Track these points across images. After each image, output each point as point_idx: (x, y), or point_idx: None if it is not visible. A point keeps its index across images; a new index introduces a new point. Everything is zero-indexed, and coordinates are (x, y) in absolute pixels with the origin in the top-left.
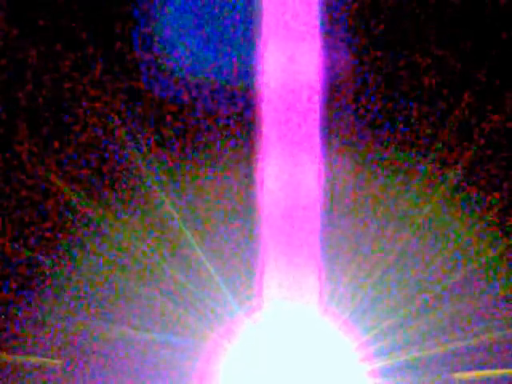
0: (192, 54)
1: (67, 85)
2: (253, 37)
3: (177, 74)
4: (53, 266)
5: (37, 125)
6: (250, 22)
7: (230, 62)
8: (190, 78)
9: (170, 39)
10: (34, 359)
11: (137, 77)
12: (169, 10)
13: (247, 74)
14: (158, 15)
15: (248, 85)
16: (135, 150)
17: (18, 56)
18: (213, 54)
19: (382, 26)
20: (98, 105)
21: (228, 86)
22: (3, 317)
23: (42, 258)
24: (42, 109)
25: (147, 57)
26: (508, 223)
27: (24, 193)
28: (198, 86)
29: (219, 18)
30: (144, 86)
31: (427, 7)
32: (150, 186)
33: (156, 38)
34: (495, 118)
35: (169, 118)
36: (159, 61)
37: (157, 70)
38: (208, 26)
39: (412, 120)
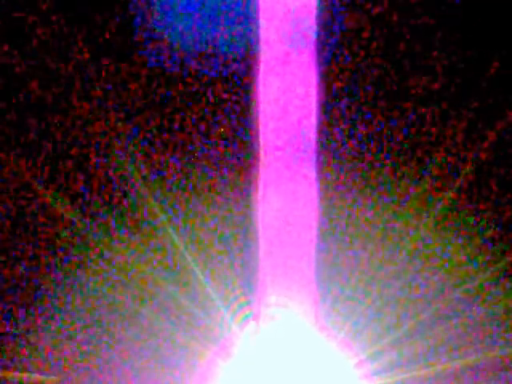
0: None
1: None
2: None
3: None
4: (25, 273)
5: (29, 134)
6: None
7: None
8: (187, 77)
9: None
10: (31, 376)
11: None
12: None
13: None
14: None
15: (245, 92)
16: (132, 165)
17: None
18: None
19: (379, 36)
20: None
21: (224, 92)
22: (2, 333)
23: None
24: (35, 114)
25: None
26: (505, 242)
27: (18, 210)
28: (193, 89)
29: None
30: (139, 86)
31: (423, 19)
32: (146, 201)
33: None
34: (490, 138)
35: (165, 123)
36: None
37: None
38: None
39: (408, 139)
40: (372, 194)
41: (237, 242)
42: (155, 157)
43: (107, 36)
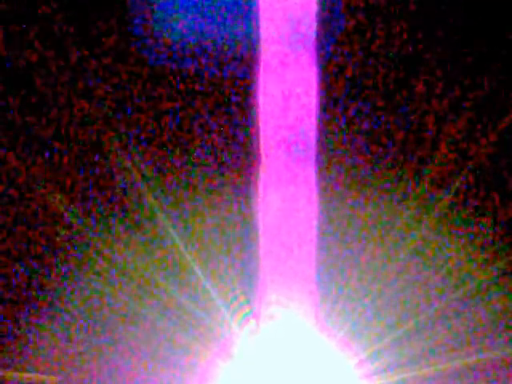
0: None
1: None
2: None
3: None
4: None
5: (29, 133)
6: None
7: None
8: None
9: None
10: (32, 376)
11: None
12: None
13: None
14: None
15: (245, 96)
16: (132, 164)
17: None
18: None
19: (379, 38)
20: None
21: (224, 95)
22: (2, 333)
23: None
24: (32, 115)
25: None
26: (504, 242)
27: (18, 209)
28: (192, 92)
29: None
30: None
31: (422, 21)
32: (146, 201)
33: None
34: (489, 139)
35: (165, 122)
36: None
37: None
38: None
39: (407, 140)
40: (372, 194)
41: (237, 241)
42: (155, 156)
43: (107, 35)
